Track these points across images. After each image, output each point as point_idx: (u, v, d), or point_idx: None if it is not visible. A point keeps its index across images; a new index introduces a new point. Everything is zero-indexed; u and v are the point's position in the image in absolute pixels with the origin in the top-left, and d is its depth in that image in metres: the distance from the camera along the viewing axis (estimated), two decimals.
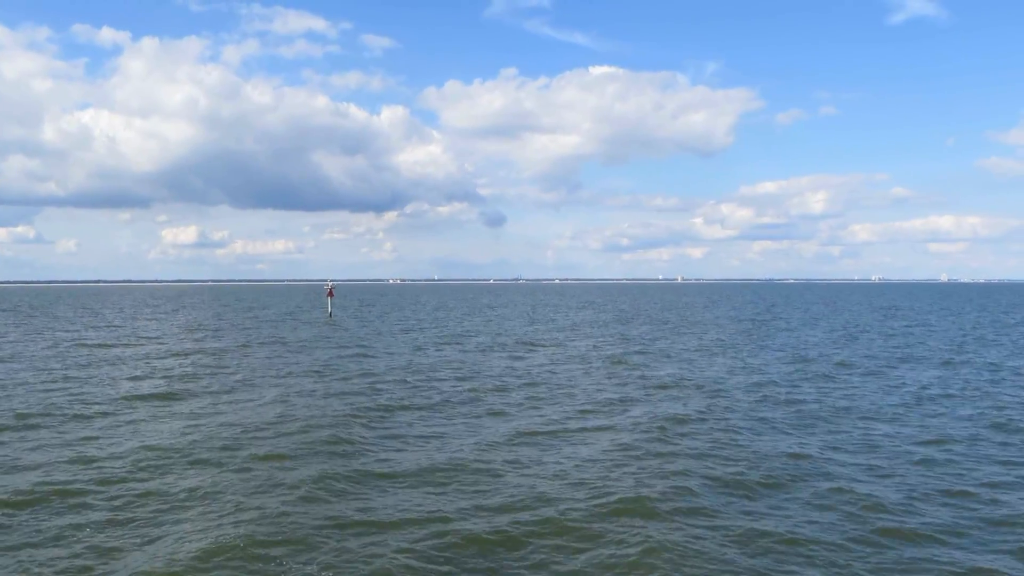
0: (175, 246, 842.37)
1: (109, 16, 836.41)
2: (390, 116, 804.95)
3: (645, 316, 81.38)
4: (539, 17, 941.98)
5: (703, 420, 21.19)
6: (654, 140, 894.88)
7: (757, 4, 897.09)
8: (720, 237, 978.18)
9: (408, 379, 29.36)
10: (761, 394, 25.97)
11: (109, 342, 47.57)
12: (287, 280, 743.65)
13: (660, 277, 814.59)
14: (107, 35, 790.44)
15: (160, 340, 49.28)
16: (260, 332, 55.66)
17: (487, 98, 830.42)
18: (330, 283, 78.20)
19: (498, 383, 28.30)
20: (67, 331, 57.95)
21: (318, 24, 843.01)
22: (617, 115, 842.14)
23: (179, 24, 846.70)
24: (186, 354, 39.69)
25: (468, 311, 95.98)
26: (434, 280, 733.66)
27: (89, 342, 47.38)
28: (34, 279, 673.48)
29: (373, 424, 20.74)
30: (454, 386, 27.58)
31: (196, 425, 20.46)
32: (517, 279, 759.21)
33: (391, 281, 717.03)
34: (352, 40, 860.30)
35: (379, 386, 27.61)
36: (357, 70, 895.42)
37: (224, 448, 17.66)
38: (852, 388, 27.48)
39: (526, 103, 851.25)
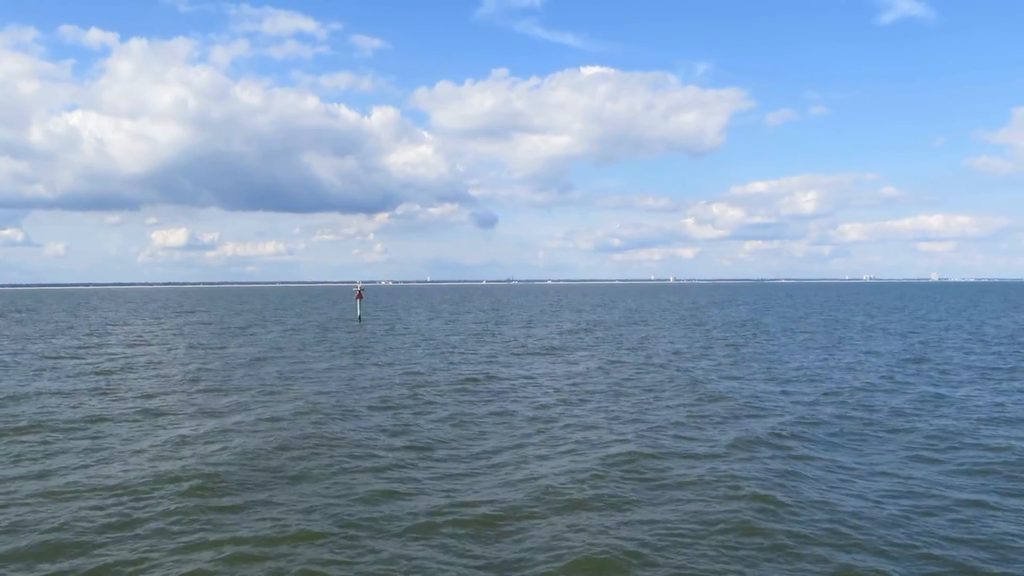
0: (165, 248, 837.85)
1: (97, 17, 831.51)
2: (381, 117, 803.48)
3: (676, 318, 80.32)
4: (530, 18, 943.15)
5: (829, 466, 16.83)
6: (645, 140, 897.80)
7: (747, 4, 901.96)
8: (711, 237, 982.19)
9: (488, 397, 26.95)
10: (882, 422, 21.61)
11: (136, 350, 46.39)
12: (278, 282, 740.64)
13: (652, 277, 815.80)
14: (95, 36, 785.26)
15: (190, 345, 48.12)
16: (294, 338, 53.31)
17: (478, 98, 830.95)
18: (359, 285, 74.23)
19: (572, 396, 27.00)
20: (85, 336, 56.63)
21: (308, 25, 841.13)
22: (608, 115, 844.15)
23: (167, 25, 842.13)
24: (224, 360, 38.55)
25: (495, 313, 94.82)
26: (426, 282, 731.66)
27: (113, 349, 46.20)
28: (22, 282, 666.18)
29: (453, 449, 19.32)
30: (532, 404, 25.92)
31: (245, 450, 18.33)
32: (509, 280, 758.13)
33: (383, 283, 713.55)
34: (342, 41, 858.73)
35: (460, 407, 26.17)
36: (347, 71, 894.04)
37: (275, 480, 15.93)
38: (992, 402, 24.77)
39: (517, 103, 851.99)
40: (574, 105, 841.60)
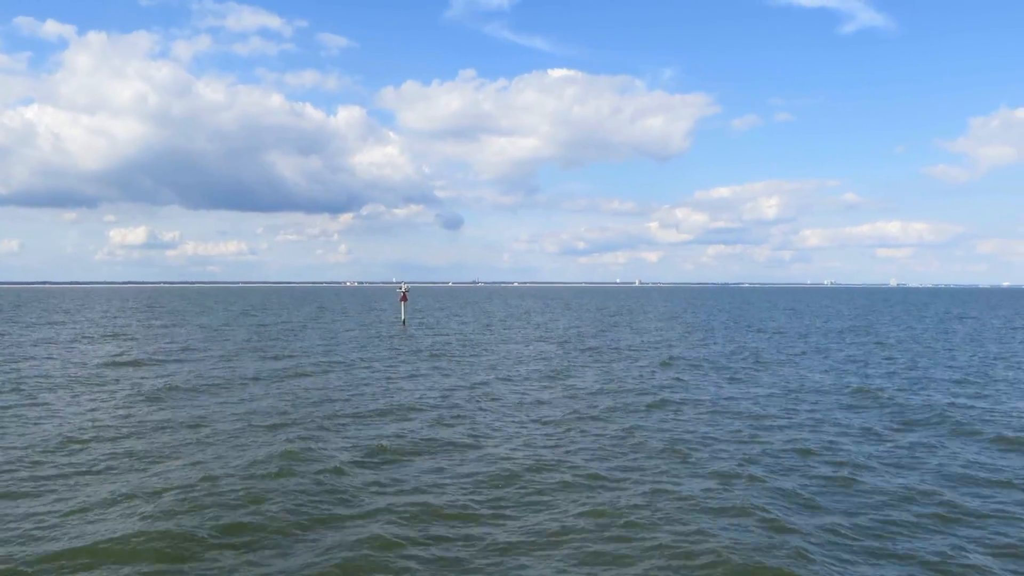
0: (123, 247, 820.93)
1: (53, 9, 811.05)
2: (346, 116, 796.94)
3: (734, 321, 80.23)
4: (498, 20, 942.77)
5: None
6: (611, 144, 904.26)
7: (713, 11, 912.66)
8: (675, 241, 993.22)
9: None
10: None
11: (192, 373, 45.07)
12: (240, 282, 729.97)
13: (618, 280, 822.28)
14: (51, 28, 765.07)
15: (227, 357, 47.09)
16: (339, 348, 47.35)
17: (445, 99, 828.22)
18: (404, 286, 67.58)
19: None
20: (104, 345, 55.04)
21: (273, 21, 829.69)
22: (575, 118, 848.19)
23: (127, 18, 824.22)
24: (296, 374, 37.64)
25: (536, 314, 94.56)
26: (392, 283, 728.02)
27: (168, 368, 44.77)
28: None
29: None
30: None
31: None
32: (475, 282, 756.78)
33: (347, 284, 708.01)
34: (308, 38, 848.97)
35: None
36: (313, 69, 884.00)
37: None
38: None
39: (484, 105, 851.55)
40: (541, 107, 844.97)
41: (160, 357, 40.23)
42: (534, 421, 23.27)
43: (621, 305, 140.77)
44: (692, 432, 21.62)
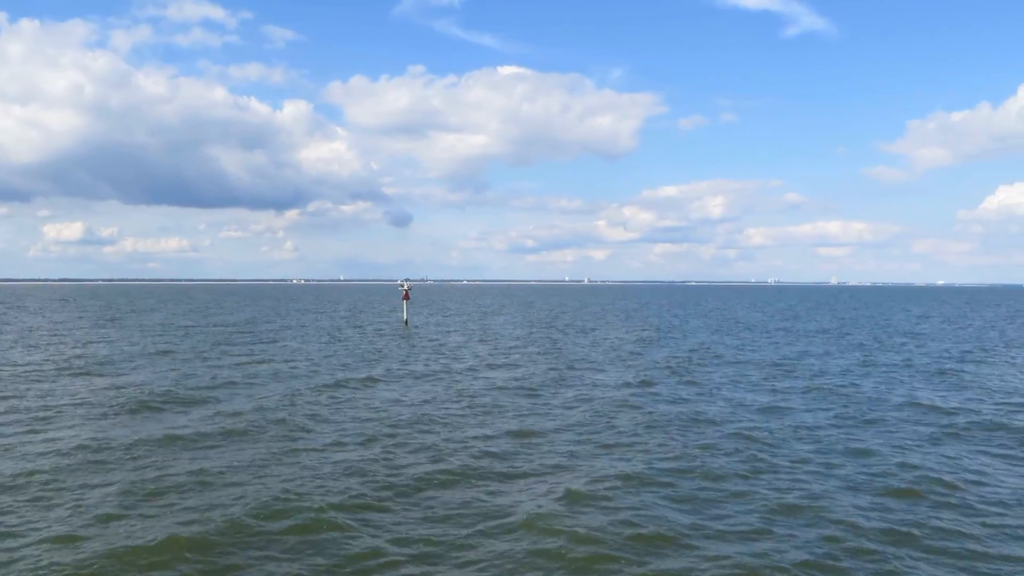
0: (58, 243, 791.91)
1: None
2: (292, 111, 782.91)
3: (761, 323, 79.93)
4: (448, 17, 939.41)
5: None
6: (560, 142, 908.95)
7: (661, 11, 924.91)
8: (623, 239, 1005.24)
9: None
10: None
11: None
12: (182, 280, 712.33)
13: (567, 279, 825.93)
14: None
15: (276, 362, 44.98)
16: (341, 351, 45.05)
17: (394, 95, 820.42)
18: (406, 283, 63.34)
19: None
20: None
21: (216, 13, 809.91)
22: (525, 116, 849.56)
23: (62, 6, 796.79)
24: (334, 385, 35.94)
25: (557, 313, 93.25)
26: (340, 280, 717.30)
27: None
28: None
29: None
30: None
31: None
32: (424, 280, 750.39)
33: (295, 281, 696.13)
34: (252, 31, 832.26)
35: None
36: (258, 62, 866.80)
37: None
38: None
39: (433, 101, 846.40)
40: (491, 104, 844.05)
41: (133, 363, 38.13)
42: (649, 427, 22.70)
43: (594, 303, 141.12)
44: (832, 456, 19.34)
